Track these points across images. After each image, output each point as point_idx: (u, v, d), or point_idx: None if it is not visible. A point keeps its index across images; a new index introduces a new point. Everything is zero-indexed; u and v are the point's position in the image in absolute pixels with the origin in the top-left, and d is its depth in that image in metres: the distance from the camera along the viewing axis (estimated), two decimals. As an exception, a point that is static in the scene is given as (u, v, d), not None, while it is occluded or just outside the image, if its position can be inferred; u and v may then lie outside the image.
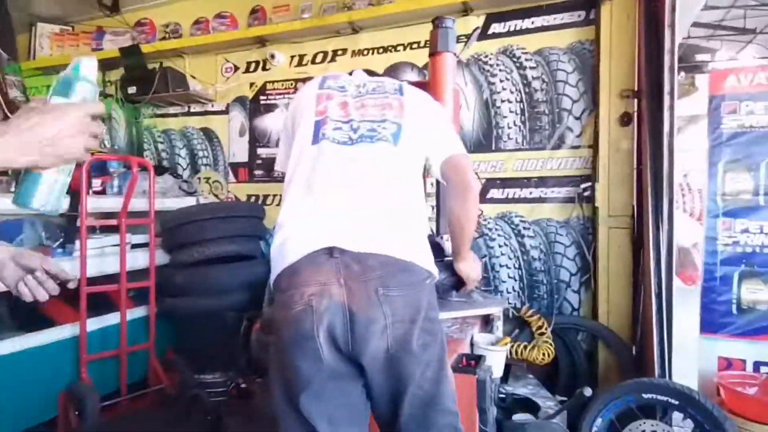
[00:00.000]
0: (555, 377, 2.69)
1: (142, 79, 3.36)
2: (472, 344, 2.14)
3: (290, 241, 1.22)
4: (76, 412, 2.46)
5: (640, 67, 2.33)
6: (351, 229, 1.18)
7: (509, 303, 2.84)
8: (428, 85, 2.01)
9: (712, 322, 2.16)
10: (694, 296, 2.24)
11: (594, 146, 2.64)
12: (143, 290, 2.95)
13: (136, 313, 2.95)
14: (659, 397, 1.95)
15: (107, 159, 2.92)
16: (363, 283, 1.13)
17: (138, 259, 2.94)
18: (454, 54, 1.96)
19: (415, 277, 1.17)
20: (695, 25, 4.79)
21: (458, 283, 1.65)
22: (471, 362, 1.80)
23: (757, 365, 2.12)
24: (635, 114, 2.45)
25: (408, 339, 1.14)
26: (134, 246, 3.01)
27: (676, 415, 2.11)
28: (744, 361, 2.13)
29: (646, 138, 2.24)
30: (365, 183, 1.25)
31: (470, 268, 1.65)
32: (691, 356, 2.16)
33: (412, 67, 3.03)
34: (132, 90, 3.39)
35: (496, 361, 2.08)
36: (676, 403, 1.92)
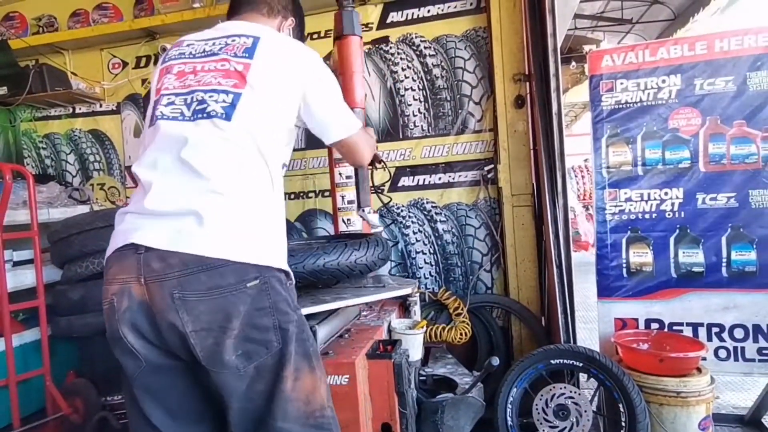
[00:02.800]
0: (475, 355, 2.79)
1: (14, 79, 3.02)
2: (390, 330, 2.15)
3: (113, 235, 1.14)
4: (-42, 455, 2.19)
5: (529, 51, 2.46)
6: (161, 223, 1.06)
7: (426, 288, 2.89)
8: (336, 71, 1.97)
9: (606, 287, 2.32)
10: (591, 265, 2.41)
11: (494, 129, 2.75)
12: (34, 311, 2.67)
13: (27, 337, 2.67)
14: (565, 361, 2.08)
15: (-29, 167, 2.58)
16: (160, 283, 1.03)
17: (24, 277, 2.65)
18: (360, 37, 1.93)
19: (225, 279, 1.03)
20: (578, 16, 5.16)
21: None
22: (387, 347, 1.81)
23: (648, 322, 2.31)
24: (528, 96, 2.58)
25: (219, 350, 1.03)
26: (18, 263, 2.71)
27: (583, 377, 2.27)
28: (636, 320, 2.32)
29: (538, 119, 2.36)
30: (187, 169, 1.09)
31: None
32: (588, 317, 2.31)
33: (314, 58, 2.98)
34: (2, 91, 3.03)
35: (413, 344, 2.10)
36: (580, 365, 2.05)
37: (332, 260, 1.58)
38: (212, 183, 1.08)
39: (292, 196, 3.05)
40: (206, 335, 1.03)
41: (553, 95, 2.23)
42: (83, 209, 3.13)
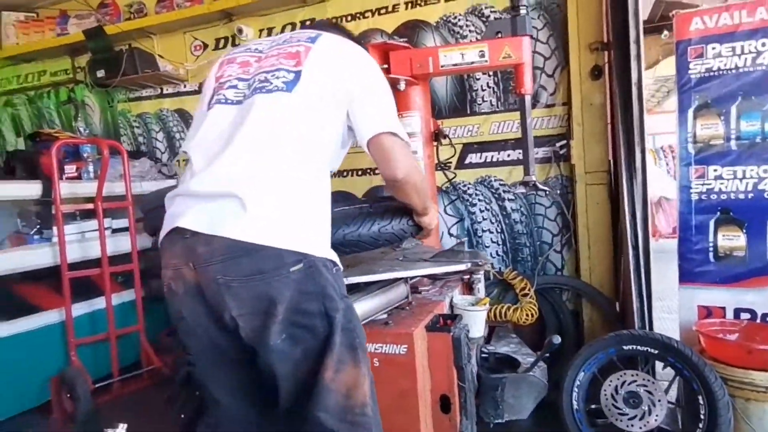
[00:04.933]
0: (542, 337, 2.72)
1: (110, 62, 3.30)
2: (452, 306, 2.15)
3: (166, 218, 1.14)
4: (69, 396, 2.50)
5: (607, 17, 2.29)
6: (204, 207, 1.04)
7: (493, 267, 2.84)
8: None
9: (690, 272, 2.14)
10: (672, 247, 2.23)
11: (568, 103, 2.61)
12: (130, 274, 2.95)
13: (125, 296, 2.98)
14: (639, 348, 1.96)
15: (75, 143, 2.87)
16: (206, 268, 1.01)
17: (121, 243, 2.93)
18: (531, 37, 2.01)
19: (266, 264, 0.99)
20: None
21: (417, 229, 1.58)
22: (447, 321, 1.81)
23: (737, 312, 2.11)
24: (606, 67, 2.41)
25: (265, 333, 1.01)
26: (117, 230, 3.00)
27: (659, 366, 2.14)
28: (723, 309, 2.12)
29: (615, 91, 2.21)
30: (234, 150, 1.06)
31: (430, 219, 1.54)
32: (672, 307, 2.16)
33: (381, 33, 2.97)
34: (101, 74, 3.33)
35: (475, 321, 2.09)
36: (656, 352, 1.93)
37: (352, 231, 1.53)
38: (259, 166, 1.05)
39: (360, 172, 3.11)
40: (253, 318, 1.02)
41: (633, 64, 2.06)
42: (171, 183, 3.39)
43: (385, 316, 1.80)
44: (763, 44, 1.95)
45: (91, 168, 2.98)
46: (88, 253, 2.78)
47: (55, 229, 2.58)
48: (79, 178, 2.96)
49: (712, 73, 2.02)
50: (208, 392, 1.17)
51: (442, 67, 2.20)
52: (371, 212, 1.62)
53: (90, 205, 2.72)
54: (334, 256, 1.12)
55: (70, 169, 2.90)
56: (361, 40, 1.61)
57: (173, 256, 1.08)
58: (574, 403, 2.00)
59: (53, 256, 2.61)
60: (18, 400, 2.49)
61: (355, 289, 1.71)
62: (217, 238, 1.00)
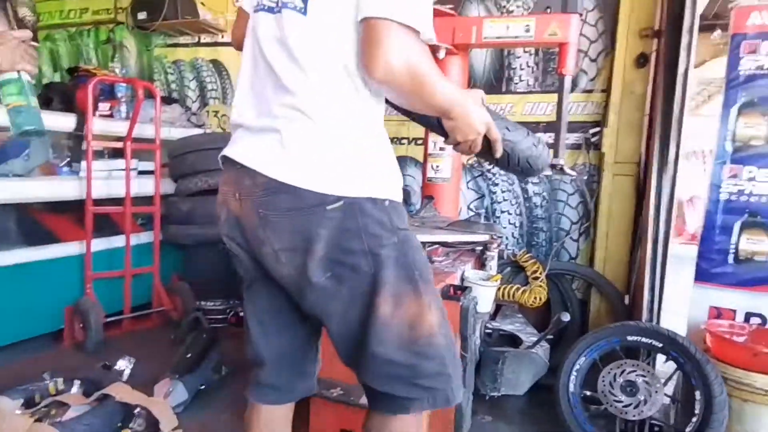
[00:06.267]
0: (547, 323, 2.72)
1: (152, 5, 3.31)
2: (463, 279, 2.16)
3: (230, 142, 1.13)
4: (81, 326, 2.59)
5: (663, 3, 2.21)
6: (248, 140, 1.05)
7: (507, 247, 2.84)
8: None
9: (706, 272, 2.12)
10: (692, 253, 2.20)
11: (607, 90, 2.55)
12: (149, 217, 3.02)
13: (143, 238, 3.05)
14: (643, 340, 1.96)
15: (112, 81, 2.92)
16: (250, 200, 1.02)
17: (145, 185, 3.00)
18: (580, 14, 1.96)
19: (304, 201, 0.97)
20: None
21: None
22: (457, 292, 1.83)
23: (747, 316, 2.10)
24: (653, 55, 2.34)
25: (306, 270, 1.00)
26: (142, 172, 3.06)
27: (660, 359, 2.14)
28: (734, 312, 2.11)
29: (659, 82, 2.15)
30: (273, 78, 1.02)
31: (455, 123, 1.09)
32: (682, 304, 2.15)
33: (424, 1, 2.92)
34: (142, 16, 3.34)
35: (484, 296, 2.10)
36: (660, 345, 1.93)
37: None
38: (296, 98, 0.97)
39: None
40: (293, 255, 1.01)
41: (683, 53, 1.98)
42: (198, 132, 3.43)
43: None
44: (821, 46, 1.88)
45: (123, 108, 3.03)
46: (112, 191, 2.84)
47: (83, 163, 2.65)
48: (111, 116, 3.02)
49: (763, 71, 1.95)
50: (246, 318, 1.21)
51: (485, 38, 2.14)
52: None
53: (119, 144, 2.78)
54: (384, 191, 1.02)
55: (104, 106, 2.95)
56: None
57: (224, 183, 1.10)
58: (571, 385, 2.01)
59: (80, 190, 2.68)
60: (33, 325, 2.59)
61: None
62: (259, 173, 1.00)
